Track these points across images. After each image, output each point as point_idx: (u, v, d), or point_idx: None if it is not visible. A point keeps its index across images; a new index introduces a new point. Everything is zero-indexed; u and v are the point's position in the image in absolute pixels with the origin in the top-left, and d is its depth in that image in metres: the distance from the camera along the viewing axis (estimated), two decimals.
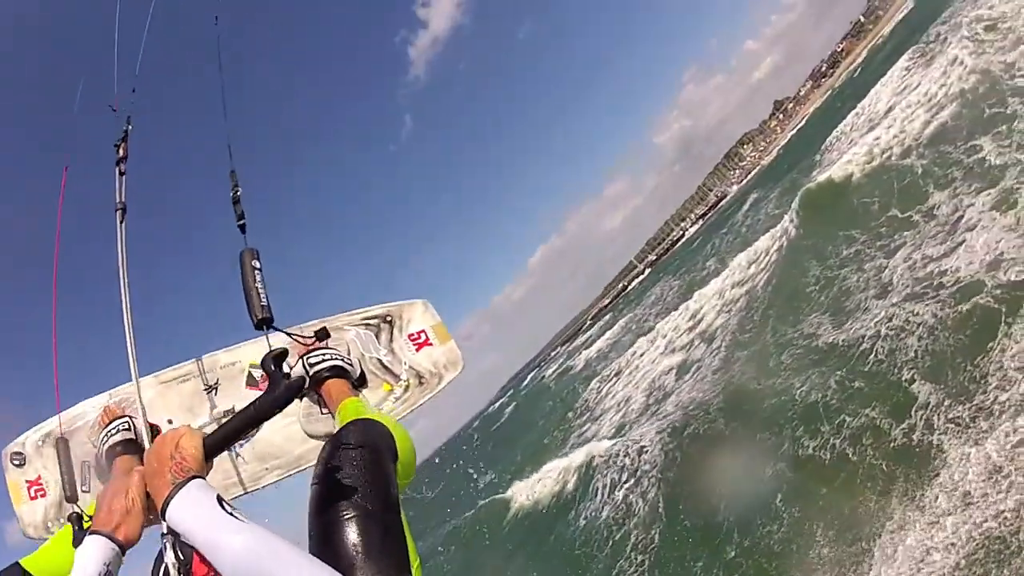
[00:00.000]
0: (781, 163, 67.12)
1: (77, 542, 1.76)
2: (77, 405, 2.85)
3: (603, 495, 12.21)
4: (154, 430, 2.51)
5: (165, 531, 1.55)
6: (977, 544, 5.03)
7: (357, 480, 1.69)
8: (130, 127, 2.91)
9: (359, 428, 1.90)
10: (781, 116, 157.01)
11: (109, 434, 2.34)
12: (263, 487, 2.87)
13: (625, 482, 11.67)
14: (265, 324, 2.07)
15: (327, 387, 2.37)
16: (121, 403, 2.84)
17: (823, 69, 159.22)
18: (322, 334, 2.59)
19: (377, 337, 2.97)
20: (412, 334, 3.00)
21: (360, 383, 2.58)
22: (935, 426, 6.69)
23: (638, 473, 11.44)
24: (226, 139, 2.66)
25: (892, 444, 7.02)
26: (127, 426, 2.46)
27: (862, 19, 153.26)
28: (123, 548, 1.52)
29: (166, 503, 1.38)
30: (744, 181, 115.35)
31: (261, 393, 1.65)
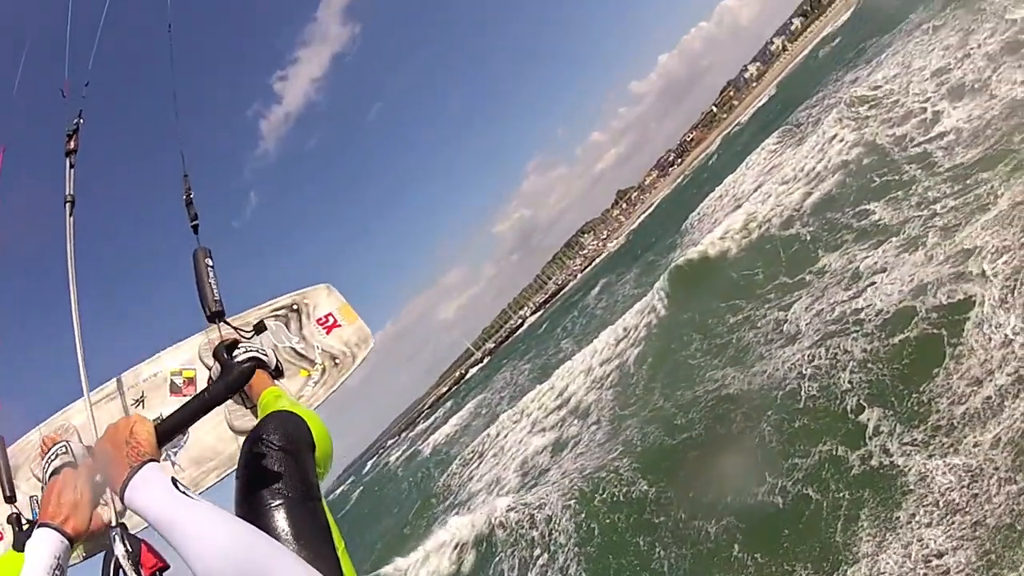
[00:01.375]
0: (632, 248, 75.02)
1: (18, 544, 2.23)
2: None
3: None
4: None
5: (112, 523, 1.82)
6: (974, 543, 5.59)
7: (278, 470, 2.04)
8: (82, 120, 3.36)
9: (276, 420, 2.28)
10: (624, 205, 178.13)
11: (50, 461, 2.55)
12: (207, 489, 3.25)
13: (538, 559, 11.39)
14: (217, 317, 2.60)
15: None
16: (57, 431, 3.24)
17: (670, 159, 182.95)
18: (260, 327, 3.08)
19: (287, 326, 3.50)
20: (320, 318, 3.54)
21: (278, 374, 3.00)
22: (893, 449, 7.53)
23: (551, 547, 11.24)
24: (178, 144, 3.32)
25: (852, 472, 7.70)
26: (64, 450, 2.69)
27: (714, 109, 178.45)
28: (72, 541, 1.77)
29: (124, 485, 1.63)
30: (588, 268, 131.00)
31: (211, 383, 2.09)
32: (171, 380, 3.52)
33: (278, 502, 1.96)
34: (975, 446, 6.79)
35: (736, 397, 12.05)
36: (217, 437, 3.24)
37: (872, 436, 8.14)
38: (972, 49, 17.99)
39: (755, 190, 29.82)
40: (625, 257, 67.57)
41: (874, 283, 11.69)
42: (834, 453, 8.42)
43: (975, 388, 7.50)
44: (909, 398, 8.28)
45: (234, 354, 2.64)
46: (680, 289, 23.13)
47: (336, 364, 3.42)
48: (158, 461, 1.75)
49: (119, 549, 1.76)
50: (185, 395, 3.52)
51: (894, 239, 12.79)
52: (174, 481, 1.62)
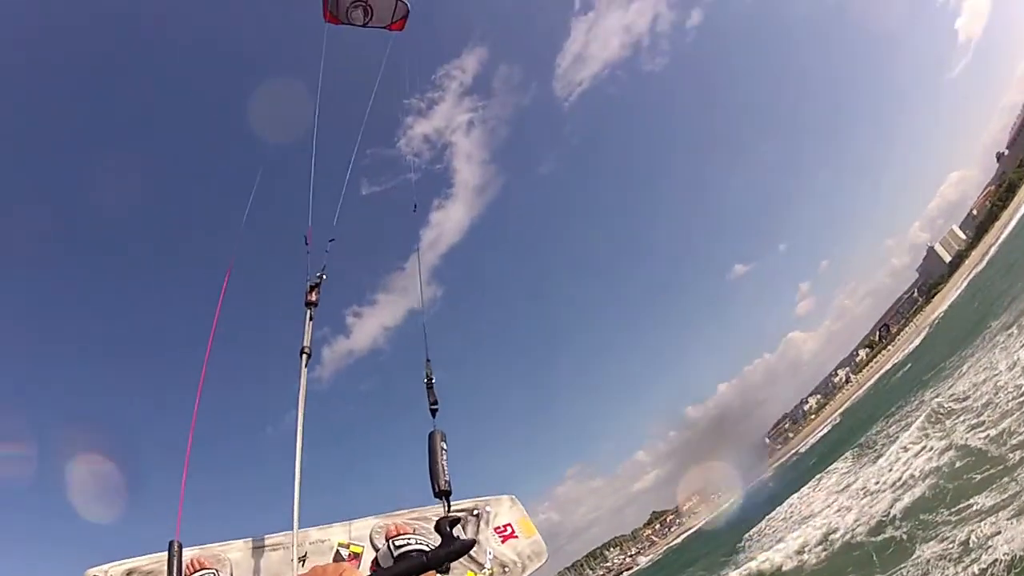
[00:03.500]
0: (670, 564, 71.98)
1: None
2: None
3: None
4: None
5: None
6: None
7: None
8: (324, 277, 4.02)
9: None
10: (659, 525, 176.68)
11: None
12: None
13: None
14: (445, 496, 3.17)
15: None
16: (210, 558, 3.87)
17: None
18: (453, 522, 3.36)
19: (464, 528, 3.87)
20: (499, 527, 3.98)
21: (444, 569, 3.31)
22: None
23: None
24: (422, 329, 4.05)
25: None
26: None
27: (767, 441, 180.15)
28: None
29: None
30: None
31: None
32: (338, 550, 4.01)
33: None
34: None
35: None
36: None
37: None
38: None
39: (827, 508, 29.75)
40: (661, 572, 66.12)
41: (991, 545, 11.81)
42: None
43: None
44: None
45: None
46: None
47: (505, 572, 3.80)
48: None
49: None
50: None
51: (1004, 510, 12.82)
52: None
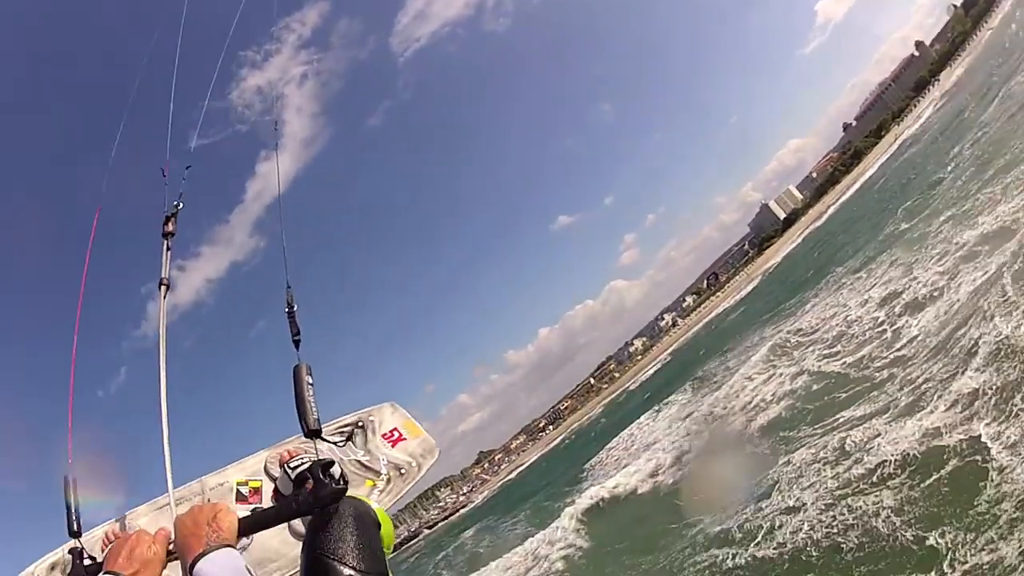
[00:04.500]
0: (507, 498, 75.14)
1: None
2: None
3: None
4: None
5: None
6: None
7: (350, 545, 2.20)
8: (181, 206, 4.02)
9: (347, 501, 2.50)
10: (487, 464, 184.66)
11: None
12: None
13: None
14: (315, 434, 3.05)
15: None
16: (124, 528, 3.97)
17: (541, 424, 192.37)
18: (327, 465, 3.34)
19: (352, 440, 4.24)
20: (386, 433, 4.28)
21: (343, 483, 3.74)
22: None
23: None
24: (282, 250, 3.76)
25: None
26: None
27: (592, 380, 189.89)
28: None
29: (198, 558, 1.99)
30: (451, 516, 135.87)
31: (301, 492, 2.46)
32: (237, 489, 4.18)
33: (348, 573, 2.06)
34: None
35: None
36: (281, 540, 3.70)
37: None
38: (921, 273, 21.25)
39: (672, 433, 31.72)
40: (498, 507, 68.19)
41: (872, 447, 13.15)
42: None
43: None
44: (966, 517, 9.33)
45: (331, 472, 2.88)
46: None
47: (401, 474, 4.11)
48: (235, 548, 2.08)
49: None
50: (251, 503, 4.24)
51: (879, 417, 14.46)
52: (248, 569, 1.97)
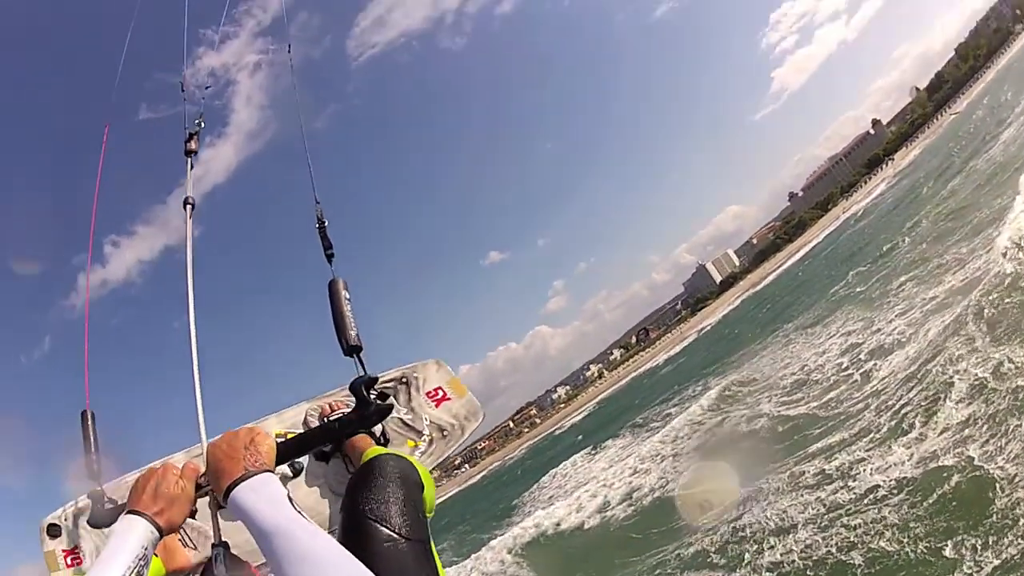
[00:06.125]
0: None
1: (96, 520, 2.77)
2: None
3: None
4: None
5: (216, 542, 2.12)
6: None
7: (392, 507, 2.25)
8: (203, 125, 4.07)
9: (390, 458, 2.57)
10: None
11: None
12: None
13: None
14: (355, 351, 2.99)
15: (352, 442, 3.14)
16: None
17: (457, 463, 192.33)
18: (370, 382, 3.20)
19: (396, 398, 4.03)
20: (430, 391, 4.09)
21: (384, 441, 3.58)
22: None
23: None
24: (308, 169, 3.87)
25: None
26: None
27: (511, 424, 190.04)
28: (162, 534, 2.01)
29: (236, 483, 1.91)
30: None
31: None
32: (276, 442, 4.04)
33: (387, 539, 2.11)
34: None
35: None
36: (316, 499, 3.57)
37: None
38: (884, 325, 22.32)
39: (613, 470, 31.35)
40: None
41: (859, 473, 13.49)
42: None
43: None
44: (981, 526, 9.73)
45: (374, 390, 2.91)
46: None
47: (444, 436, 3.90)
48: (274, 474, 1.98)
49: (220, 571, 2.04)
50: None
51: (859, 443, 14.89)
52: (290, 499, 1.83)
